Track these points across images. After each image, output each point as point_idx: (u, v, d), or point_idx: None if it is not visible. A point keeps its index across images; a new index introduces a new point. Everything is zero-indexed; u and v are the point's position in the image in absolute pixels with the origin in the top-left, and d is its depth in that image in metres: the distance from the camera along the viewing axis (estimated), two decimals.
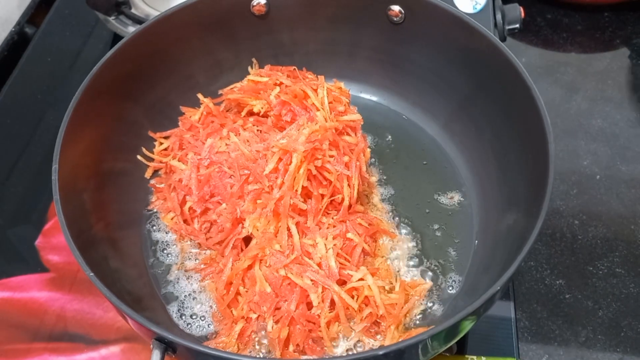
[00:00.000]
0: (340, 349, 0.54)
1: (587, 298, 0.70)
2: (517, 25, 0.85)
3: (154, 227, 0.65)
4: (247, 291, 0.55)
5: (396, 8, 0.63)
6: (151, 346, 0.45)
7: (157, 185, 0.66)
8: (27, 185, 0.77)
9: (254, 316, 0.53)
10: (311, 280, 0.53)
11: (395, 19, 0.64)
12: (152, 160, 0.67)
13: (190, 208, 0.60)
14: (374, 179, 0.66)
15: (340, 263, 0.55)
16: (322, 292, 0.53)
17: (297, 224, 0.55)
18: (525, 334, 0.67)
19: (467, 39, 0.60)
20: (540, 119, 0.52)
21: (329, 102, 0.60)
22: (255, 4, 0.65)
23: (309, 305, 0.53)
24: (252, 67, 0.70)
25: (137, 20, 0.83)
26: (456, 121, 0.66)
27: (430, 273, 0.61)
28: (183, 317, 0.58)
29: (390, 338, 0.53)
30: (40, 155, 0.80)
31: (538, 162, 0.53)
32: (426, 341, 0.45)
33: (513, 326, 0.63)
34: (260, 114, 0.63)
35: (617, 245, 0.74)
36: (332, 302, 0.53)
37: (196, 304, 0.59)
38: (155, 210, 0.65)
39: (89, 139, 0.58)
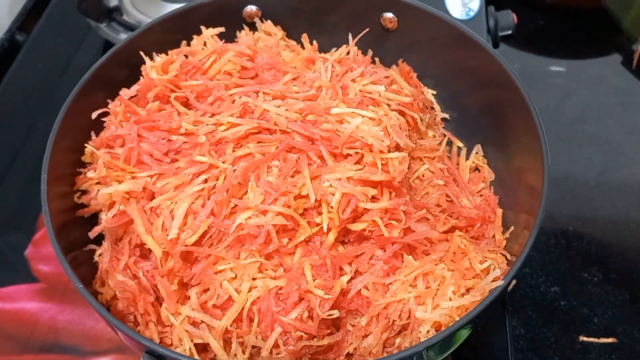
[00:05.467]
0: None
1: (582, 305, 0.70)
2: (510, 32, 0.85)
3: None
4: None
5: (389, 15, 0.63)
6: (141, 359, 0.44)
7: None
8: (17, 193, 0.77)
9: None
10: None
11: (388, 26, 0.64)
12: None
13: None
14: None
15: None
16: None
17: None
18: (521, 342, 0.67)
19: (460, 46, 0.60)
20: (534, 128, 0.52)
21: None
22: (247, 9, 0.65)
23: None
24: None
25: (129, 27, 0.83)
26: (450, 129, 0.66)
27: None
28: None
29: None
30: (31, 163, 0.79)
31: (533, 172, 0.53)
32: (422, 352, 0.44)
33: (508, 334, 0.63)
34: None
35: (612, 251, 0.74)
36: None
37: None
38: None
39: (80, 147, 0.57)
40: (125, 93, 0.57)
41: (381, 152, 0.51)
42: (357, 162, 0.51)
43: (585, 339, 0.67)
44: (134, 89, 0.58)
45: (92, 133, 0.58)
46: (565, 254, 0.74)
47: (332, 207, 0.49)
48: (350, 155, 0.52)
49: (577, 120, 0.87)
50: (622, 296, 0.70)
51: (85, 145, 0.56)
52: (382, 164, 0.50)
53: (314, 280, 0.48)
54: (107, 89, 0.59)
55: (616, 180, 0.80)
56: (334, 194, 0.49)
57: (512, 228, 0.54)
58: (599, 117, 0.87)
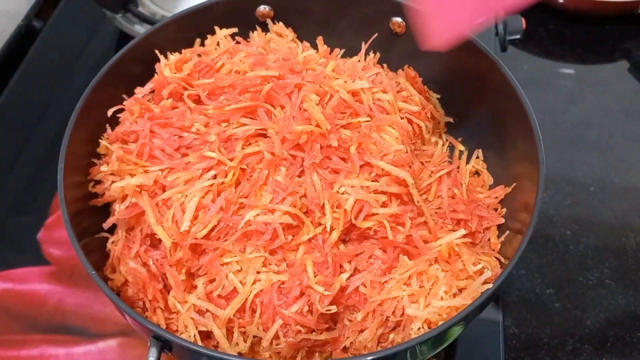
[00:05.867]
0: None
1: (576, 307, 0.71)
2: (519, 36, 0.86)
3: None
4: None
5: (398, 20, 0.65)
6: (148, 344, 0.46)
7: None
8: (30, 176, 0.78)
9: None
10: None
11: (396, 30, 0.66)
12: None
13: None
14: None
15: None
16: None
17: None
18: (514, 341, 0.69)
19: (465, 53, 0.61)
20: (532, 137, 0.54)
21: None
22: (260, 9, 0.66)
23: None
24: None
25: (144, 19, 0.84)
26: (452, 133, 0.67)
27: None
28: None
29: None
30: (44, 148, 0.81)
31: (529, 179, 0.54)
32: (415, 347, 0.46)
33: (501, 333, 0.65)
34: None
35: (608, 256, 0.75)
36: None
37: None
38: None
39: (95, 138, 0.59)
40: (140, 91, 0.59)
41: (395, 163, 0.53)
42: (364, 166, 0.53)
43: (577, 341, 0.69)
44: (149, 87, 0.60)
45: (108, 126, 0.59)
46: (561, 257, 0.75)
47: (345, 210, 0.51)
48: (365, 162, 0.53)
49: (581, 125, 0.87)
50: (615, 301, 0.71)
51: (100, 139, 0.58)
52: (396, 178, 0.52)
53: (315, 277, 0.50)
54: (123, 83, 0.60)
55: (616, 187, 0.81)
56: (347, 200, 0.51)
57: (507, 232, 0.56)
58: (603, 123, 0.87)
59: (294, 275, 0.50)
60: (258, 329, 0.50)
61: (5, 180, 0.78)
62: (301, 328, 0.50)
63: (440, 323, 0.48)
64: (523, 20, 0.86)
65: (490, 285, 0.48)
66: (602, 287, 0.73)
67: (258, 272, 0.51)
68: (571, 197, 0.80)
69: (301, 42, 0.67)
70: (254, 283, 0.51)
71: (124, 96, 0.60)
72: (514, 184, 0.58)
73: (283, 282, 0.51)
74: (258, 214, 0.51)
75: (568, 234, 0.77)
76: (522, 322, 0.70)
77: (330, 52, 0.66)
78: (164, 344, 0.46)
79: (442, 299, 0.50)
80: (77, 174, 0.56)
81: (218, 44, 0.64)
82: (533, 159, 0.53)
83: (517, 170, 0.58)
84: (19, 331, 0.66)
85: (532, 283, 0.73)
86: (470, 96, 0.64)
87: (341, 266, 0.53)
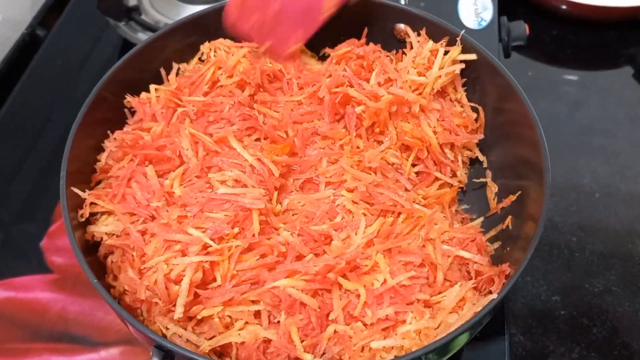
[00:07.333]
0: None
1: (582, 315, 0.70)
2: (522, 42, 0.86)
3: None
4: None
5: (402, 26, 0.65)
6: (150, 353, 0.46)
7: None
8: (33, 184, 0.79)
9: None
10: None
11: (400, 36, 0.66)
12: None
13: None
14: None
15: None
16: None
17: None
18: (520, 349, 0.68)
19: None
20: (537, 145, 0.53)
21: None
22: None
23: None
24: None
25: (147, 27, 0.85)
26: None
27: None
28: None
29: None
30: (47, 155, 0.81)
31: (535, 187, 0.54)
32: (421, 357, 0.46)
33: (507, 341, 0.64)
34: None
35: (614, 263, 0.74)
36: None
37: None
38: None
39: (97, 146, 0.59)
40: (124, 131, 0.60)
41: None
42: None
43: (584, 349, 0.68)
44: (134, 125, 0.60)
45: (110, 134, 0.60)
46: (567, 264, 0.74)
47: None
48: None
49: (585, 131, 0.87)
50: (621, 308, 0.71)
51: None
52: None
53: (302, 342, 0.49)
54: (126, 90, 0.60)
55: (621, 193, 0.81)
56: None
57: (508, 248, 0.56)
58: (608, 129, 0.87)
59: (281, 346, 0.49)
60: None
61: (9, 187, 0.78)
62: None
63: (413, 349, 0.48)
64: (527, 27, 0.86)
65: (495, 295, 0.48)
66: (609, 294, 0.72)
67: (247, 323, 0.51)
68: (576, 204, 0.80)
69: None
70: (242, 328, 0.50)
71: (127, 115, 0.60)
72: (519, 192, 0.58)
73: (269, 342, 0.50)
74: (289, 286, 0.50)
75: (573, 240, 0.77)
76: (527, 330, 0.69)
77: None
78: (166, 354, 0.46)
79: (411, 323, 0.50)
80: (80, 182, 0.56)
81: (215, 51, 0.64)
82: (538, 166, 0.53)
83: (522, 177, 0.58)
84: (22, 339, 0.66)
85: (538, 290, 0.73)
86: (473, 102, 0.64)
87: (327, 315, 0.51)
